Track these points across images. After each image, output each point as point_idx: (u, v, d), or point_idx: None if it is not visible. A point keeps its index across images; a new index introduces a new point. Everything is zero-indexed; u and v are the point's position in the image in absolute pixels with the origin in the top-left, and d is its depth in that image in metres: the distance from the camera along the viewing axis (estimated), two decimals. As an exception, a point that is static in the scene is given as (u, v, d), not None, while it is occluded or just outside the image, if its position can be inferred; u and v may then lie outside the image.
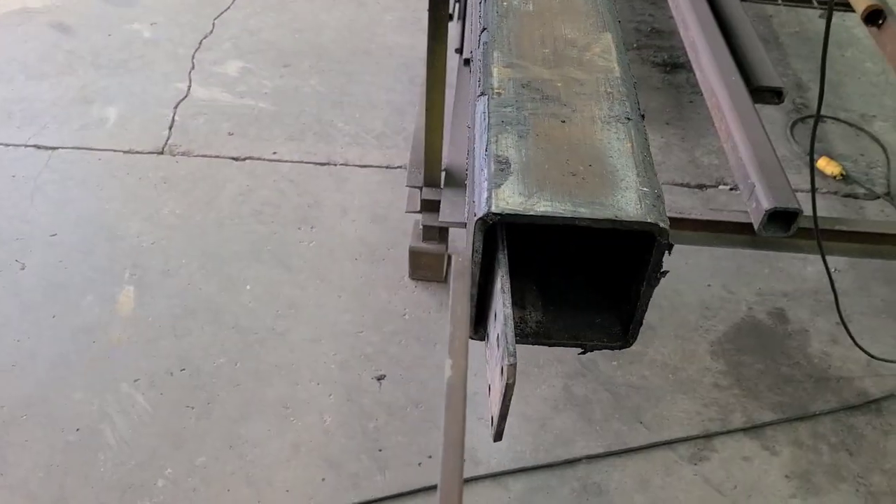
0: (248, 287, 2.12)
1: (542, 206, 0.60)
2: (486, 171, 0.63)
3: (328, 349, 1.99)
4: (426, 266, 2.11)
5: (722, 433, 1.91)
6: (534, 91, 0.72)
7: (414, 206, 2.03)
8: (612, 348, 0.68)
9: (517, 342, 0.71)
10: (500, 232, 0.62)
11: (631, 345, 0.68)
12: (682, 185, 2.59)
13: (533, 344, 0.69)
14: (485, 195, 0.61)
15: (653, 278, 0.62)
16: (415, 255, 2.11)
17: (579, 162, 0.64)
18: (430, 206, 2.00)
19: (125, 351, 1.95)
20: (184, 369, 1.92)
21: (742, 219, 1.97)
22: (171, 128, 2.60)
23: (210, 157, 2.50)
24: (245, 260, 2.19)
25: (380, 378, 1.94)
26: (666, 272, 0.61)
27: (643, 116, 0.70)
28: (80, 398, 1.85)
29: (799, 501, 1.80)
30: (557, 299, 0.72)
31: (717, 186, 2.59)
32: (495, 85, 0.72)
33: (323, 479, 1.75)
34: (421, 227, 2.08)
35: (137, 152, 2.50)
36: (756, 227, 1.86)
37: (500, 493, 1.75)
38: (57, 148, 2.49)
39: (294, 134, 2.60)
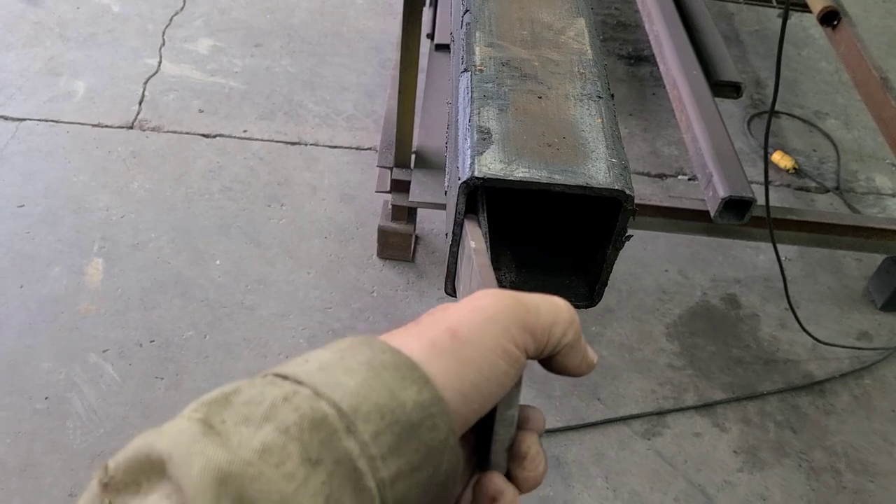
0: (217, 262, 2.14)
1: (521, 173, 0.65)
2: (469, 139, 0.69)
3: (296, 324, 2.03)
4: (394, 245, 2.16)
5: (675, 410, 2.00)
6: (513, 69, 0.77)
7: (384, 186, 2.08)
8: (578, 307, 0.74)
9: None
10: (480, 197, 0.68)
11: (596, 304, 0.74)
12: (643, 174, 2.68)
13: (507, 302, 0.75)
14: (468, 161, 0.67)
15: (618, 241, 0.68)
16: (383, 235, 2.15)
17: (554, 134, 0.70)
18: (400, 187, 2.05)
19: (94, 322, 1.97)
20: (153, 341, 1.95)
21: (699, 206, 2.06)
22: (140, 103, 2.60)
23: (180, 133, 2.51)
24: (214, 235, 2.21)
25: (347, 353, 1.98)
26: (630, 236, 0.67)
27: (612, 96, 0.76)
28: (48, 367, 1.87)
29: (745, 475, 1.90)
30: (530, 263, 0.78)
31: (677, 176, 2.69)
32: (477, 62, 0.78)
33: (290, 449, 1.79)
34: (390, 206, 2.13)
35: (106, 126, 2.49)
36: (712, 214, 1.95)
37: (463, 464, 1.81)
38: (24, 119, 2.47)
39: (264, 113, 2.62)
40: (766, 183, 1.97)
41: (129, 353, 1.91)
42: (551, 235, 0.80)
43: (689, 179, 2.67)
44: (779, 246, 1.99)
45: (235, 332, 1.99)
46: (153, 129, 2.50)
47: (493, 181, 0.66)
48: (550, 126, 0.71)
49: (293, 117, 2.62)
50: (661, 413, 1.99)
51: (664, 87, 2.34)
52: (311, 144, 2.53)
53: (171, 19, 2.97)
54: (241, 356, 1.94)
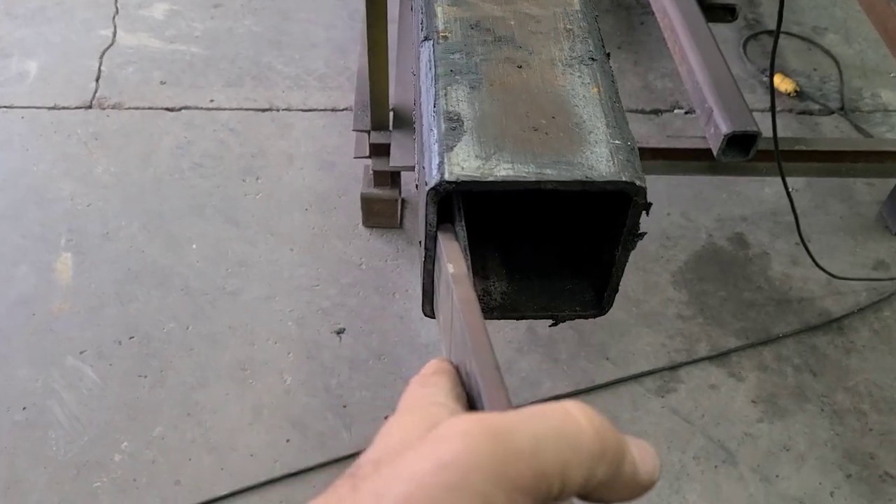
0: (193, 246, 2.02)
1: (503, 170, 0.52)
2: (435, 131, 0.55)
3: (283, 306, 1.92)
4: (379, 213, 2.03)
5: (688, 363, 1.91)
6: (484, 32, 0.63)
7: (362, 151, 1.94)
8: (585, 317, 0.62)
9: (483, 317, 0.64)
10: (456, 200, 0.55)
11: (606, 312, 0.62)
12: (636, 111, 2.53)
13: (499, 318, 0.63)
14: (436, 160, 0.54)
15: (629, 242, 0.55)
16: (367, 202, 2.02)
17: (541, 114, 0.57)
18: (380, 151, 1.91)
19: (68, 322, 1.85)
20: (132, 337, 1.83)
21: (700, 145, 1.92)
22: (98, 79, 2.43)
23: (143, 108, 2.35)
24: (188, 217, 2.08)
25: (339, 332, 1.88)
26: (643, 234, 0.55)
27: (609, 55, 0.62)
28: (23, 375, 1.76)
29: (766, 425, 1.81)
30: (524, 267, 0.66)
31: (673, 111, 2.54)
32: (440, 27, 0.64)
33: (288, 441, 1.70)
34: (371, 172, 1.99)
35: (64, 108, 2.33)
36: (715, 152, 1.82)
37: (470, 441, 1.72)
38: (-26, 108, 2.31)
39: (231, 79, 2.46)
40: (773, 114, 1.83)
41: (108, 353, 1.80)
42: (549, 232, 0.67)
43: (686, 113, 2.52)
44: (787, 178, 1.86)
45: (219, 320, 1.88)
46: (113, 107, 2.34)
47: (468, 184, 0.53)
48: (536, 103, 0.58)
49: (262, 81, 2.46)
50: (673, 367, 1.89)
51: (653, 14, 2.18)
52: (283, 110, 2.38)
53: (122, -15, 2.77)
54: (228, 346, 1.83)
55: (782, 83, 2.59)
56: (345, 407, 1.75)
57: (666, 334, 1.96)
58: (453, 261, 0.50)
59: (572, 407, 0.33)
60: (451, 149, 0.55)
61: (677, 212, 2.23)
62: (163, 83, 2.43)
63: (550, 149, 0.55)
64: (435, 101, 0.58)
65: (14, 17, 2.63)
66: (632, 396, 1.84)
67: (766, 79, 2.62)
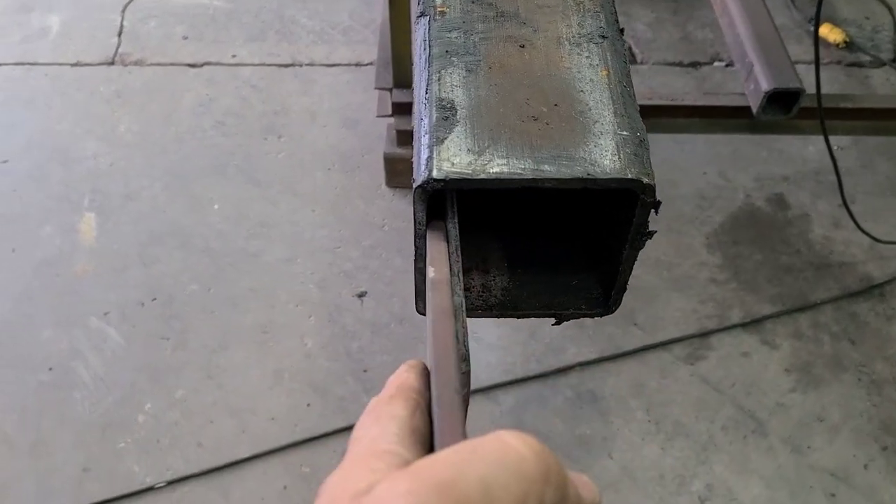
0: (215, 206, 1.99)
1: (497, 166, 0.47)
2: (426, 120, 0.50)
3: (305, 268, 1.89)
4: (403, 173, 1.98)
5: (719, 330, 1.85)
6: (486, 7, 0.58)
7: (385, 109, 1.88)
8: (590, 316, 0.57)
9: (479, 315, 0.60)
10: (449, 195, 0.50)
11: (613, 312, 0.57)
12: (674, 64, 2.42)
13: (498, 317, 0.58)
14: (425, 154, 0.49)
15: (637, 241, 0.50)
16: (390, 162, 1.97)
17: (542, 101, 0.51)
18: (403, 109, 1.85)
19: (91, 283, 1.85)
20: (155, 299, 1.83)
21: (739, 102, 1.83)
22: (120, 34, 2.39)
23: (165, 64, 2.31)
24: (210, 177, 2.05)
25: (361, 295, 1.85)
26: (653, 233, 0.50)
27: (622, 31, 0.56)
28: (48, 336, 1.77)
29: (799, 395, 1.76)
30: (527, 259, 0.61)
31: (713, 63, 2.42)
32: (438, 1, 0.58)
33: (308, 405, 1.69)
34: (395, 131, 1.93)
35: (86, 64, 2.31)
36: (754, 110, 1.73)
37: (491, 408, 1.70)
38: (-2, 65, 2.30)
39: (254, 34, 2.40)
40: (817, 68, 1.73)
41: (131, 314, 1.80)
42: (555, 223, 0.62)
43: (727, 66, 2.41)
44: (830, 137, 1.77)
45: (241, 282, 1.86)
46: (136, 63, 2.31)
47: (458, 182, 0.48)
48: (537, 88, 0.53)
49: (285, 36, 2.40)
50: (704, 334, 1.84)
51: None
52: (306, 65, 2.32)
53: (144, -65, 2.71)
54: (249, 308, 1.82)
55: (830, 33, 2.45)
56: (365, 371, 1.74)
57: (697, 299, 1.90)
58: (435, 264, 0.46)
59: (506, 435, 0.31)
60: (442, 142, 0.50)
61: (714, 171, 2.14)
62: (185, 38, 2.38)
63: (550, 141, 0.49)
64: (427, 86, 0.53)
65: (37, -30, 2.59)
66: (659, 364, 1.79)
67: (813, 28, 2.48)
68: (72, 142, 2.12)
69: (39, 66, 2.29)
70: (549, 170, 0.48)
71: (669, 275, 1.94)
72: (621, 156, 0.49)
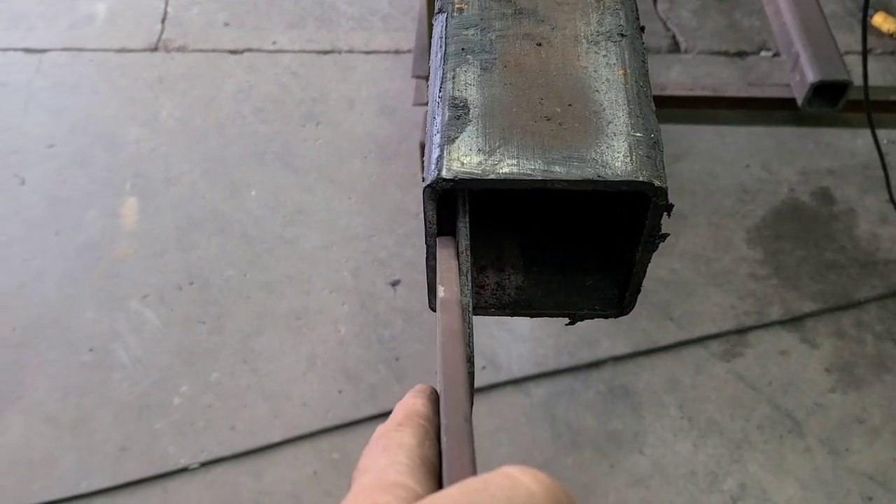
0: (253, 193, 2.02)
1: (506, 167, 0.47)
2: (438, 119, 0.50)
3: (340, 255, 1.90)
4: (439, 162, 1.98)
5: (757, 327, 1.81)
6: (504, 3, 0.57)
7: (422, 98, 1.87)
8: (605, 317, 0.56)
9: (492, 313, 0.60)
10: (460, 194, 0.50)
11: (627, 313, 0.56)
12: (719, 53, 2.36)
13: (511, 315, 0.58)
14: (435, 153, 0.49)
15: (650, 243, 0.49)
16: (426, 151, 1.96)
17: (557, 101, 0.50)
18: (439, 98, 1.84)
19: (132, 266, 1.89)
20: (192, 283, 1.86)
21: (784, 93, 1.78)
22: (163, 21, 2.43)
23: (207, 51, 2.34)
24: (249, 163, 2.07)
25: (394, 283, 1.86)
26: (666, 235, 0.49)
27: (643, 29, 0.55)
28: (90, 317, 1.82)
29: (839, 395, 1.71)
30: (543, 257, 0.60)
31: (759, 53, 2.36)
32: (456, -2, 0.57)
33: (340, 392, 1.71)
34: (431, 119, 1.93)
35: (130, 50, 2.35)
36: (799, 102, 1.68)
37: (522, 399, 1.70)
38: (47, 50, 2.35)
39: (294, 20, 2.41)
40: (865, 60, 1.67)
41: (169, 298, 1.84)
42: (571, 222, 0.62)
43: (774, 55, 2.35)
44: (879, 130, 1.71)
45: (277, 268, 1.89)
46: (178, 50, 2.34)
47: (467, 182, 0.48)
48: (552, 88, 0.52)
49: (325, 22, 2.41)
50: (742, 331, 1.80)
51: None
52: (345, 52, 2.33)
53: (190, -78, 2.74)
54: (284, 294, 1.84)
55: (885, 22, 2.37)
56: (397, 360, 1.74)
57: (736, 295, 1.86)
58: (445, 283, 0.46)
59: (515, 471, 0.30)
60: (453, 141, 0.49)
61: (757, 163, 2.10)
62: (226, 24, 2.40)
63: (562, 142, 0.48)
64: (441, 84, 0.53)
65: (85, -43, 2.64)
66: (695, 360, 1.77)
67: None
68: (115, 127, 2.16)
69: (86, 51, 2.34)
70: (560, 171, 0.47)
71: (708, 269, 1.90)
72: (633, 158, 0.48)
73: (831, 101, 1.68)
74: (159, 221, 1.97)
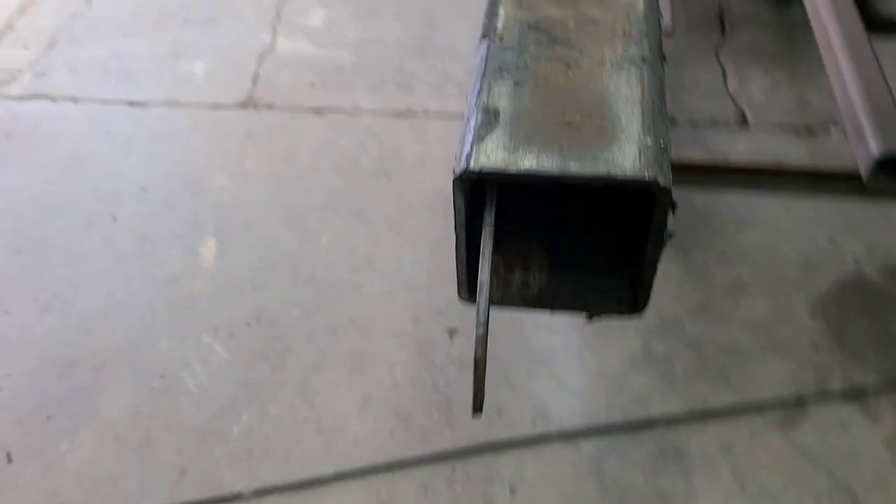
0: (324, 240, 2.12)
1: (527, 162, 0.53)
2: (472, 122, 0.57)
3: (401, 303, 1.98)
4: (502, 218, 2.05)
5: (817, 398, 1.78)
6: (540, 33, 0.64)
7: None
8: (620, 315, 0.61)
9: (516, 305, 0.65)
10: (488, 189, 0.56)
11: (641, 311, 0.60)
12: (787, 127, 2.39)
13: (533, 309, 0.63)
14: (466, 149, 0.55)
15: (657, 239, 0.54)
16: (490, 207, 2.04)
17: (578, 110, 0.57)
18: (505, 156, 1.93)
19: (206, 302, 2.01)
20: (260, 320, 1.96)
21: (849, 166, 1.79)
22: (255, 81, 2.62)
23: (292, 109, 2.50)
24: (323, 212, 2.19)
25: (452, 332, 1.91)
26: (672, 233, 0.54)
27: (664, 58, 0.61)
28: (164, 347, 1.92)
29: (902, 473, 1.65)
30: (567, 259, 0.66)
31: (828, 130, 2.37)
32: (499, 28, 0.66)
33: (392, 432, 1.75)
34: (496, 177, 2.01)
35: (223, 106, 2.53)
36: (864, 175, 1.68)
37: (571, 453, 1.70)
38: (148, 104, 2.56)
39: (375, 84, 2.57)
40: (932, 135, 1.68)
41: (238, 333, 1.94)
42: (590, 230, 0.67)
43: (843, 130, 2.35)
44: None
45: (341, 311, 1.97)
46: (266, 107, 2.51)
47: (492, 174, 0.54)
48: (575, 100, 0.58)
49: (404, 87, 2.55)
50: (800, 401, 1.77)
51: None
52: (421, 115, 2.45)
53: (286, -6, 2.97)
54: (345, 336, 1.91)
55: (959, 103, 2.35)
56: (449, 405, 1.78)
57: (796, 364, 1.84)
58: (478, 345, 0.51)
59: None
60: (482, 140, 0.56)
61: (823, 235, 2.09)
62: (312, 86, 2.57)
63: (579, 144, 0.55)
64: (478, 95, 0.60)
65: (189, 22, 2.89)
66: (750, 427, 1.74)
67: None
68: (203, 175, 2.32)
69: (183, 106, 2.54)
70: (574, 167, 0.53)
71: (767, 337, 1.89)
72: (642, 159, 0.53)
73: (896, 174, 1.68)
74: (235, 261, 2.09)
